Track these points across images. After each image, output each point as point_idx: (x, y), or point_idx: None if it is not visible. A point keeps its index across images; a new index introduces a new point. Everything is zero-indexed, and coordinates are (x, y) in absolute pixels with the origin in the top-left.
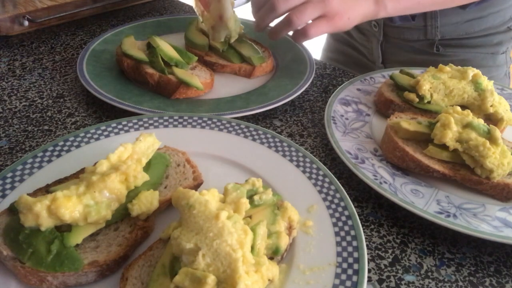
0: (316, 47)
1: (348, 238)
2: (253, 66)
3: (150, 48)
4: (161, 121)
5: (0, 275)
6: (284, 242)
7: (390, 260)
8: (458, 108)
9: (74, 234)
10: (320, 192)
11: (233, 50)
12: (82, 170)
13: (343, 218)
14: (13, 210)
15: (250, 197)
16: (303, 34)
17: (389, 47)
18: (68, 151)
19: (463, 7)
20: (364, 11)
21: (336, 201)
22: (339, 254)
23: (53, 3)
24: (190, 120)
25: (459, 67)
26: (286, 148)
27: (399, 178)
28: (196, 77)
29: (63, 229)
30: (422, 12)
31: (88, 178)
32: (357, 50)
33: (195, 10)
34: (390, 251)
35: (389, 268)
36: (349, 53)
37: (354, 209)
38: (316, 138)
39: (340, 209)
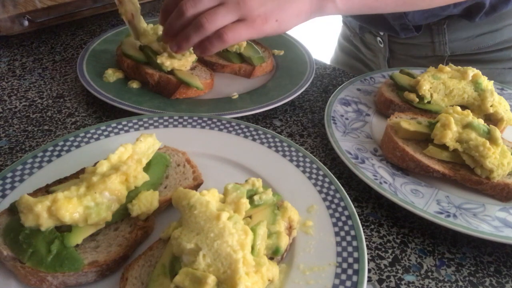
0: (315, 47)
1: (348, 238)
2: (253, 66)
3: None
4: (161, 121)
5: (0, 275)
6: (284, 242)
7: (390, 260)
8: (458, 108)
9: (74, 234)
10: (320, 192)
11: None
12: (82, 170)
13: (343, 218)
14: (13, 210)
15: (250, 197)
16: (218, 38)
17: (396, 63)
18: (68, 151)
19: (470, 18)
20: (299, 9)
21: (336, 201)
22: (339, 254)
23: (53, 3)
24: (190, 120)
25: (459, 67)
26: (286, 148)
27: (399, 178)
28: (196, 77)
29: (63, 229)
30: (388, 12)
31: (89, 179)
32: (365, 65)
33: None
34: (390, 251)
35: (389, 268)
36: (358, 67)
37: (354, 209)
38: (316, 138)
39: (340, 209)
